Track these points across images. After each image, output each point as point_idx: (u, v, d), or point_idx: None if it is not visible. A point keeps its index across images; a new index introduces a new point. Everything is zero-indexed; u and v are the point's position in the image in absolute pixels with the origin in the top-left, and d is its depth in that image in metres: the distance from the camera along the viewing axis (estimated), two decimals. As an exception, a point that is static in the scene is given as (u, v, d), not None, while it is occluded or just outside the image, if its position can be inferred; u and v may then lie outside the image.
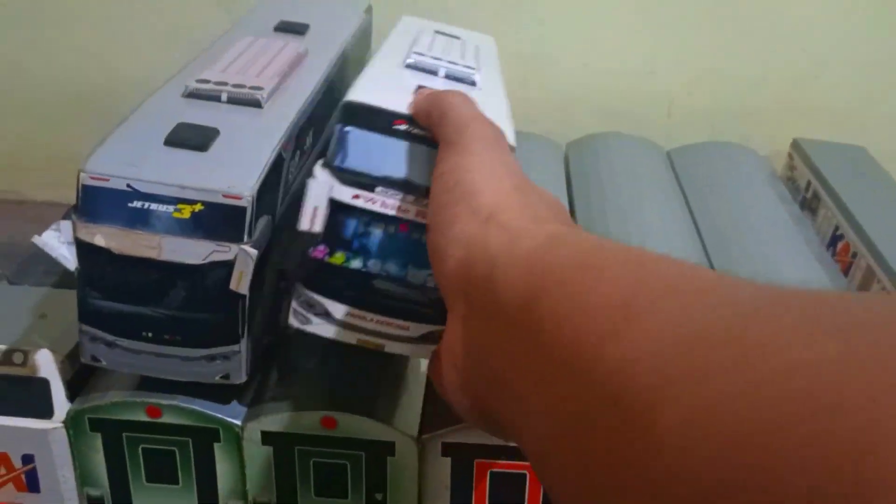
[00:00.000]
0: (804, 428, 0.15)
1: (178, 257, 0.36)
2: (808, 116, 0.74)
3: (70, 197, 0.36)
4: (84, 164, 0.36)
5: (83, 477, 0.42)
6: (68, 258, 0.36)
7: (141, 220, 0.36)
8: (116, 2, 0.74)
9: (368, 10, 0.63)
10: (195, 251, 0.36)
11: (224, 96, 0.42)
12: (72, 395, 0.41)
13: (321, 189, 0.36)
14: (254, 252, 0.36)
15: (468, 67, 0.44)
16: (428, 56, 0.44)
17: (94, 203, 0.36)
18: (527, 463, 0.40)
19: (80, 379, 0.42)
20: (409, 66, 0.43)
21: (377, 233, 0.36)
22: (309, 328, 0.37)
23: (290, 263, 0.40)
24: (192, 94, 0.42)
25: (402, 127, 0.37)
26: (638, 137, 0.70)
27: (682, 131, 0.72)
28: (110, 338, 0.38)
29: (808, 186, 0.65)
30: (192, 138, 0.38)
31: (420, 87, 0.40)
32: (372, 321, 0.37)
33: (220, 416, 0.40)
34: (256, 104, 0.42)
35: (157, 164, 0.36)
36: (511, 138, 0.38)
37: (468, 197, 0.31)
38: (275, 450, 0.40)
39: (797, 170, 0.68)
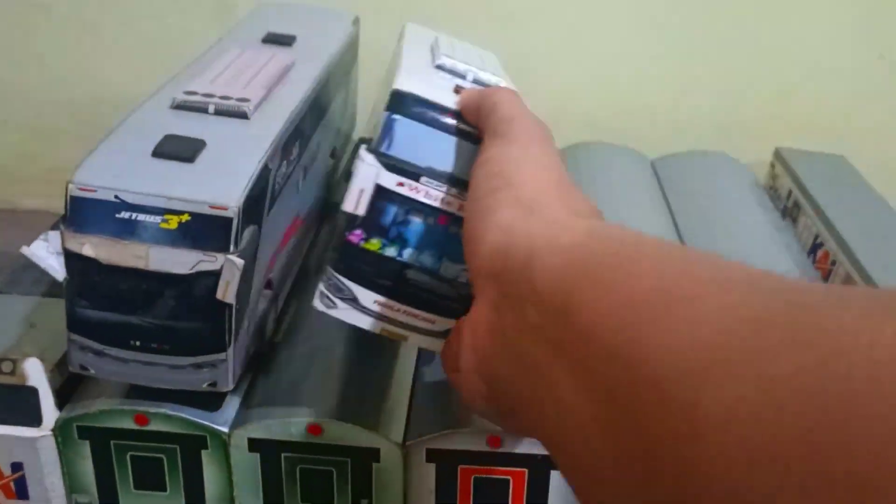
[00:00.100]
0: (887, 400, 0.15)
1: (165, 267, 0.36)
2: (791, 126, 0.75)
3: (62, 207, 0.37)
4: (72, 175, 0.36)
5: (72, 484, 0.42)
6: (56, 268, 0.37)
7: (128, 230, 0.36)
8: (108, 14, 0.75)
9: (355, 21, 0.64)
10: (182, 261, 0.36)
11: (211, 108, 0.43)
12: (60, 403, 0.41)
13: (369, 172, 0.36)
14: (240, 262, 0.36)
15: (494, 74, 0.44)
16: (457, 60, 0.43)
17: (83, 214, 0.36)
18: (510, 469, 0.40)
19: (68, 387, 0.42)
20: (438, 68, 0.43)
21: (416, 223, 0.36)
22: (333, 312, 0.38)
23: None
24: (180, 106, 0.43)
25: (450, 121, 0.37)
26: (623, 147, 0.70)
27: (666, 141, 0.73)
28: (98, 347, 0.38)
29: (789, 195, 0.66)
30: (179, 150, 0.39)
31: (458, 87, 0.40)
32: (399, 312, 0.37)
33: (207, 423, 0.40)
34: (243, 116, 0.42)
35: (144, 176, 0.37)
36: None
37: (512, 186, 0.32)
38: (262, 457, 0.41)
39: (779, 179, 0.69)
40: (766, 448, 0.16)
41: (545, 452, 0.39)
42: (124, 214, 0.36)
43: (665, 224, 0.59)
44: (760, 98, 0.75)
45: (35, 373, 0.41)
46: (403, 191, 0.36)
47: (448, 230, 0.36)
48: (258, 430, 0.40)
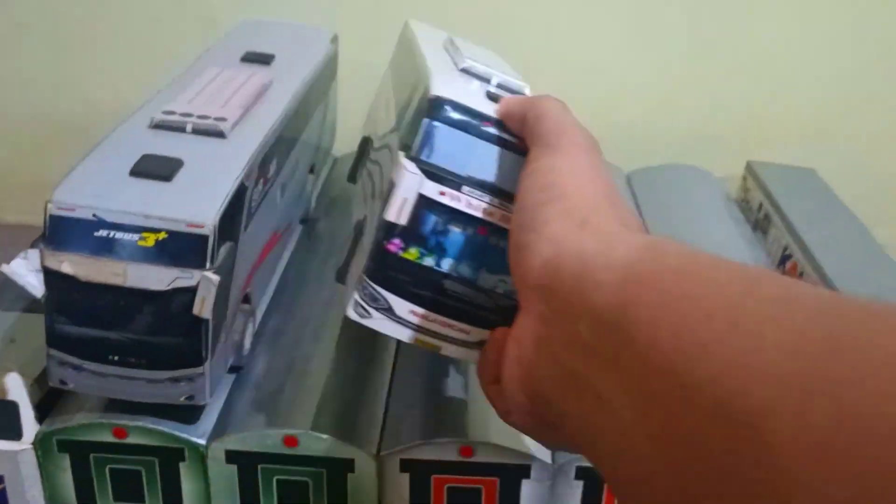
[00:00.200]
0: None
1: (142, 284, 0.37)
2: (763, 140, 0.77)
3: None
4: (51, 195, 0.37)
5: (52, 497, 0.43)
6: (35, 286, 0.37)
7: (106, 248, 0.37)
8: (91, 30, 0.76)
9: (334, 39, 0.65)
10: (159, 278, 0.37)
11: (189, 127, 0.44)
12: (40, 417, 0.42)
13: (412, 182, 0.35)
14: (216, 278, 0.37)
15: (517, 78, 0.43)
16: (480, 63, 0.43)
17: (62, 232, 0.37)
18: (482, 478, 0.41)
19: (48, 401, 0.43)
20: (463, 71, 0.42)
21: (455, 232, 0.36)
22: (367, 322, 0.37)
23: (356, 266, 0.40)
24: (159, 126, 0.44)
25: (490, 129, 0.37)
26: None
27: (641, 154, 0.75)
28: (77, 362, 0.39)
29: (760, 207, 0.67)
30: (157, 169, 0.39)
31: (490, 92, 0.39)
32: (434, 322, 0.37)
33: (184, 436, 0.41)
34: (220, 135, 0.43)
35: (122, 195, 0.38)
36: None
37: (562, 199, 0.31)
38: (239, 468, 0.41)
39: (751, 192, 0.70)
40: (842, 476, 0.16)
41: (516, 462, 0.40)
42: (102, 233, 0.37)
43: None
44: (733, 112, 0.77)
45: (15, 387, 0.41)
46: (445, 200, 0.35)
47: (488, 240, 0.36)
48: (235, 442, 0.41)
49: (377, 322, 0.37)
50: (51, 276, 0.37)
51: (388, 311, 0.37)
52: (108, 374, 0.39)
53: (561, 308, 0.28)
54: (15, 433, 0.42)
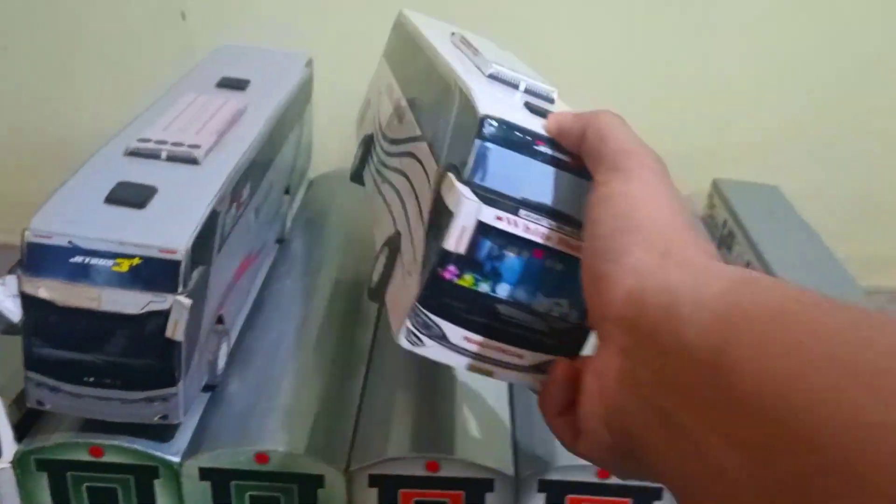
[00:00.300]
0: None
1: (117, 308, 0.39)
2: (729, 158, 0.79)
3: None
4: (29, 222, 0.39)
5: (30, 515, 0.44)
6: (12, 311, 0.39)
7: (82, 273, 0.38)
8: (71, 54, 0.77)
9: (309, 63, 0.67)
10: (133, 302, 0.39)
11: (164, 154, 0.45)
12: (19, 436, 0.43)
13: (470, 209, 0.34)
14: (188, 302, 0.39)
15: (543, 81, 0.42)
16: (506, 67, 0.41)
17: (38, 259, 0.38)
18: (448, 491, 0.43)
19: (26, 422, 0.44)
20: (491, 78, 0.41)
21: (511, 257, 0.34)
22: (420, 350, 0.36)
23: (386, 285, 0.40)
24: (134, 153, 0.45)
25: (543, 148, 0.35)
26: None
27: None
28: (54, 383, 0.40)
29: (724, 224, 0.69)
30: (131, 196, 0.41)
31: (528, 104, 0.38)
32: (488, 347, 0.36)
33: (159, 454, 0.42)
34: (194, 161, 0.45)
35: (97, 222, 0.39)
36: None
37: (641, 228, 0.30)
38: (212, 485, 0.43)
39: (716, 208, 0.72)
40: None
41: (479, 476, 0.42)
42: (78, 259, 0.38)
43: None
44: (700, 131, 0.79)
45: (-6, 408, 0.43)
46: (502, 225, 0.34)
47: (543, 263, 0.35)
48: (208, 459, 0.42)
49: (430, 350, 0.36)
50: (28, 301, 0.39)
51: (442, 338, 0.35)
52: (83, 395, 0.40)
53: (648, 344, 0.27)
54: (-6, 453, 0.43)
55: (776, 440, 0.21)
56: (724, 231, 0.69)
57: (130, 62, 0.76)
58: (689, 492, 0.25)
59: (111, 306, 0.39)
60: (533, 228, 0.34)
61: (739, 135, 0.79)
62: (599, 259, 0.31)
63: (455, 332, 0.35)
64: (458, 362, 0.36)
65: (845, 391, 0.20)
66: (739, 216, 0.67)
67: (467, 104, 0.37)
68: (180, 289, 0.39)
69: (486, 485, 0.42)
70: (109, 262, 0.39)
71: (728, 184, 0.73)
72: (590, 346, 0.35)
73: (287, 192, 0.63)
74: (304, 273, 0.59)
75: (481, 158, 0.35)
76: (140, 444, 0.42)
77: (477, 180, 0.35)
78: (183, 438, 0.44)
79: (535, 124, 0.36)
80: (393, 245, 0.40)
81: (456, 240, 0.34)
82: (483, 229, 0.34)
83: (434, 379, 0.48)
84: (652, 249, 0.29)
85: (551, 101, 0.41)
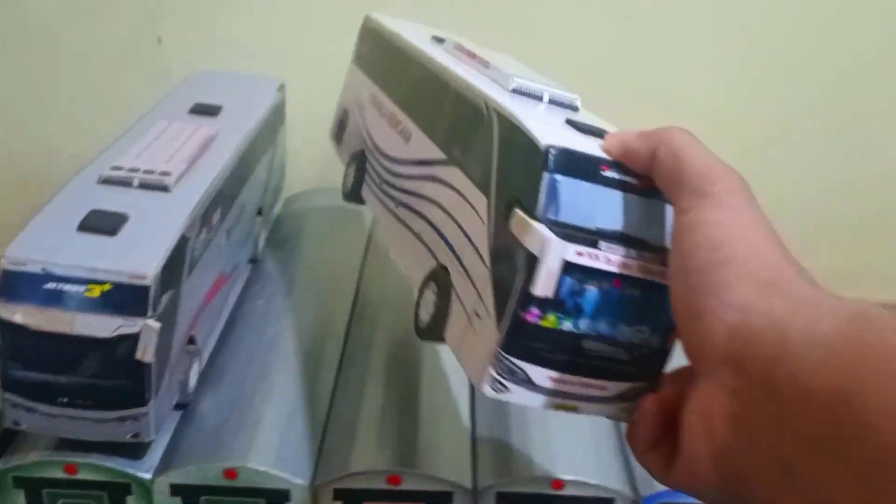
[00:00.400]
0: None
1: (89, 332, 0.40)
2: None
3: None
4: (5, 251, 0.41)
5: (7, 531, 0.46)
6: (-12, 336, 0.40)
7: (55, 299, 0.40)
8: (48, 77, 0.79)
9: (281, 88, 0.69)
10: (104, 326, 0.40)
11: (135, 182, 0.47)
12: (-3, 455, 0.45)
13: (557, 250, 0.32)
14: (157, 325, 0.40)
15: (565, 90, 0.41)
16: (526, 79, 0.40)
17: (13, 285, 0.40)
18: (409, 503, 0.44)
19: (4, 441, 0.45)
20: (515, 92, 0.40)
21: (592, 291, 0.33)
22: (505, 397, 0.35)
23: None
24: (107, 181, 0.47)
25: (610, 173, 0.34)
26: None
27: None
28: (30, 404, 0.42)
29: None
30: (103, 224, 0.43)
31: (568, 120, 0.38)
32: (573, 384, 0.35)
33: (131, 471, 0.44)
34: (164, 189, 0.47)
35: (69, 249, 0.41)
36: None
37: (739, 259, 0.29)
38: (183, 500, 0.44)
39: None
40: None
41: (439, 489, 0.44)
42: (51, 285, 0.40)
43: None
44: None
45: (-28, 429, 0.44)
46: (583, 260, 0.33)
47: (623, 292, 0.34)
48: (179, 475, 0.44)
49: (516, 395, 0.34)
50: (4, 325, 0.40)
51: (527, 382, 0.34)
52: (58, 415, 0.42)
53: (759, 386, 0.26)
54: (-28, 471, 0.45)
55: None
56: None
57: (107, 87, 0.78)
58: None
59: (83, 330, 0.40)
60: (613, 259, 0.33)
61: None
62: (696, 294, 0.29)
63: (539, 374, 0.34)
64: (542, 403, 0.35)
65: None
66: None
67: (514, 131, 0.36)
68: (150, 313, 0.41)
69: (446, 497, 0.44)
70: (81, 288, 0.40)
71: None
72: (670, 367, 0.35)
73: (260, 213, 0.65)
74: (277, 292, 0.61)
75: (552, 192, 0.33)
76: (113, 462, 0.44)
77: (551, 216, 0.33)
78: (155, 455, 0.45)
79: (593, 146, 0.35)
80: (441, 280, 0.39)
81: (543, 284, 0.32)
82: (565, 267, 0.33)
83: (399, 394, 0.50)
84: (753, 282, 0.28)
85: (575, 108, 0.40)
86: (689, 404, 0.30)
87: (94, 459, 0.44)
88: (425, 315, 0.40)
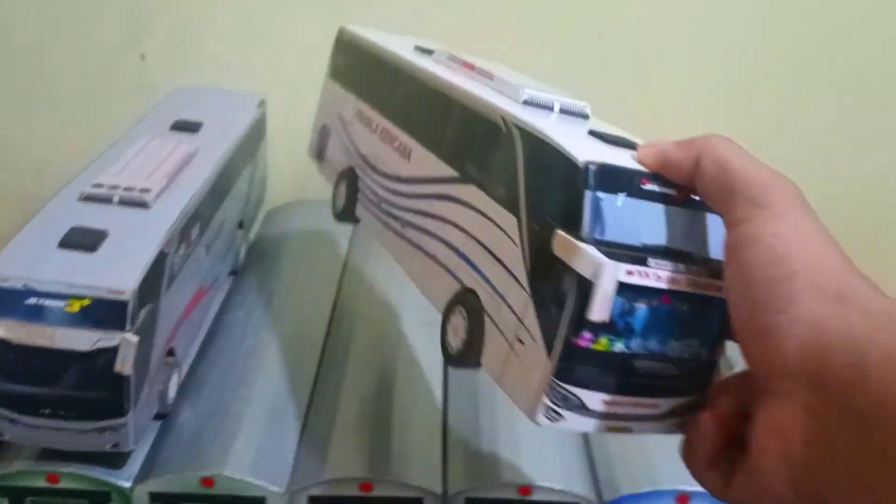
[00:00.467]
0: None
1: (69, 345, 0.42)
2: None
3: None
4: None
5: (-9, 539, 0.47)
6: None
7: (36, 314, 0.42)
8: (34, 91, 0.80)
9: (261, 104, 0.70)
10: (84, 339, 0.42)
11: (115, 199, 0.49)
12: (-19, 466, 0.46)
13: (611, 272, 0.31)
14: (135, 339, 0.42)
15: (572, 97, 0.40)
16: (536, 89, 0.40)
17: None
18: (382, 510, 0.46)
19: (-12, 451, 0.47)
20: (526, 104, 0.39)
21: (641, 308, 0.32)
22: (560, 425, 0.33)
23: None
24: (88, 198, 0.49)
25: (650, 186, 0.33)
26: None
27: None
28: (13, 415, 0.43)
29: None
30: (83, 240, 0.44)
31: (591, 132, 0.37)
32: (625, 405, 0.34)
33: (111, 480, 0.45)
34: (144, 205, 0.48)
35: (50, 266, 0.43)
36: None
37: (804, 272, 0.28)
38: (162, 508, 0.46)
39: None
40: None
41: (410, 495, 0.45)
42: (32, 300, 0.42)
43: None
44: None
45: (-44, 440, 0.46)
46: (633, 279, 0.31)
47: (672, 308, 0.33)
48: (157, 484, 0.45)
49: (571, 422, 0.33)
50: (-14, 340, 0.42)
51: (581, 407, 0.33)
52: (40, 426, 0.43)
53: (839, 404, 0.26)
54: (-44, 481, 0.46)
55: None
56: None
57: (92, 102, 0.79)
58: None
59: (64, 344, 0.42)
60: (663, 275, 0.32)
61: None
62: (762, 309, 0.28)
63: (593, 398, 0.33)
64: (596, 427, 0.34)
65: None
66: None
67: (542, 147, 0.35)
68: (128, 326, 0.42)
69: (416, 502, 0.46)
70: (62, 303, 0.42)
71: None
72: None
73: (241, 225, 0.66)
74: (257, 304, 0.63)
75: (595, 211, 0.32)
76: (94, 471, 0.45)
77: (597, 235, 0.32)
78: (135, 465, 0.47)
79: (627, 159, 0.34)
80: (471, 304, 0.37)
81: (600, 308, 0.31)
82: (617, 288, 0.31)
83: (373, 403, 0.52)
84: (822, 296, 0.27)
85: (586, 116, 0.39)
86: (760, 421, 0.29)
87: (76, 469, 0.45)
88: (456, 342, 0.38)
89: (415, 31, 0.61)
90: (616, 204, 0.32)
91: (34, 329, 0.42)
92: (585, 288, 0.31)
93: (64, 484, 0.45)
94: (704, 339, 0.34)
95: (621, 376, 0.33)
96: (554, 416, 0.33)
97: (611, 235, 0.32)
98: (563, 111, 0.39)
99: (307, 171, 0.65)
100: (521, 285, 0.34)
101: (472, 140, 0.40)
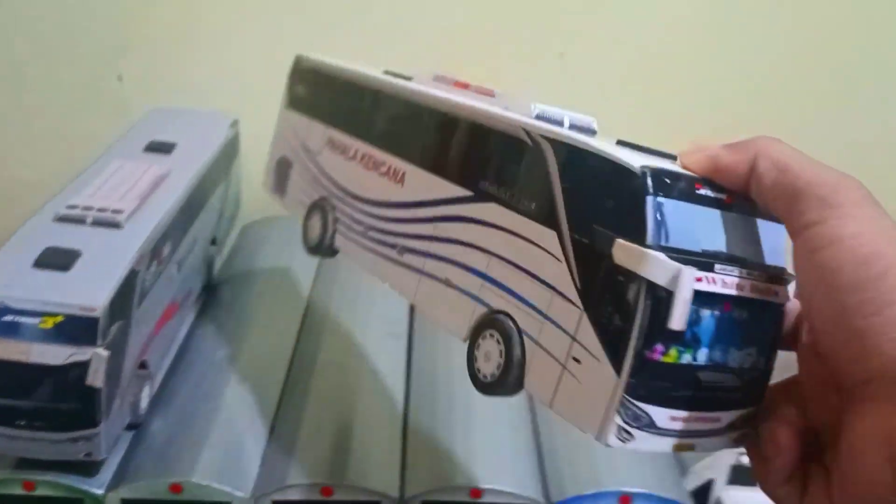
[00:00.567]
0: None
1: (43, 360, 0.44)
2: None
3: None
4: (-35, 287, 0.44)
5: (-30, 545, 0.49)
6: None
7: (12, 330, 0.44)
8: (17, 114, 0.83)
9: (234, 124, 0.73)
10: (57, 354, 0.44)
11: (89, 219, 0.51)
12: (-40, 475, 0.49)
13: (689, 278, 0.30)
14: (105, 353, 0.44)
15: (579, 112, 0.39)
16: (546, 104, 0.39)
17: None
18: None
19: (-33, 461, 0.49)
20: (539, 118, 0.38)
21: (706, 316, 0.31)
22: (631, 445, 0.32)
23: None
24: (62, 219, 0.51)
25: (704, 192, 0.32)
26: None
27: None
28: None
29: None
30: (57, 260, 0.47)
31: (619, 141, 0.36)
32: (690, 420, 0.32)
33: (85, 487, 0.48)
34: (116, 226, 0.51)
35: (25, 284, 0.45)
36: None
37: (895, 272, 0.27)
38: (133, 514, 0.48)
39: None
40: None
41: (368, 499, 0.48)
42: (8, 318, 0.44)
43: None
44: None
45: (-63, 450, 0.48)
46: (702, 286, 0.31)
47: (732, 315, 0.32)
48: (128, 490, 0.48)
49: (640, 442, 0.32)
50: (-35, 356, 0.44)
51: (651, 426, 0.32)
52: (16, 437, 0.46)
53: None
54: (-63, 490, 0.48)
55: None
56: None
57: (71, 122, 0.82)
58: None
59: (38, 358, 0.44)
60: (729, 281, 0.32)
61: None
62: (852, 313, 0.28)
63: (662, 415, 0.32)
64: (664, 446, 0.33)
65: None
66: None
67: (582, 156, 0.34)
68: (99, 342, 0.45)
69: (376, 506, 0.48)
70: (36, 320, 0.44)
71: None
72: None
73: (214, 242, 0.69)
74: (229, 317, 0.65)
75: (658, 216, 0.31)
76: (68, 479, 0.48)
77: (662, 242, 0.31)
78: (108, 472, 0.49)
79: (671, 165, 0.33)
80: (504, 327, 0.36)
81: (680, 316, 0.30)
82: (671, 294, 0.30)
83: (338, 411, 0.54)
84: None
85: (594, 132, 0.38)
86: (856, 428, 0.28)
87: (51, 477, 0.47)
88: (489, 368, 0.36)
89: (377, 56, 0.64)
90: (676, 209, 0.31)
91: (10, 345, 0.44)
92: (658, 296, 0.30)
93: (40, 491, 0.48)
94: (762, 348, 0.33)
95: (688, 390, 0.32)
96: (625, 436, 0.31)
97: (674, 242, 0.31)
98: (573, 126, 0.38)
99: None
100: (570, 301, 0.33)
101: (487, 157, 0.38)
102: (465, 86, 0.44)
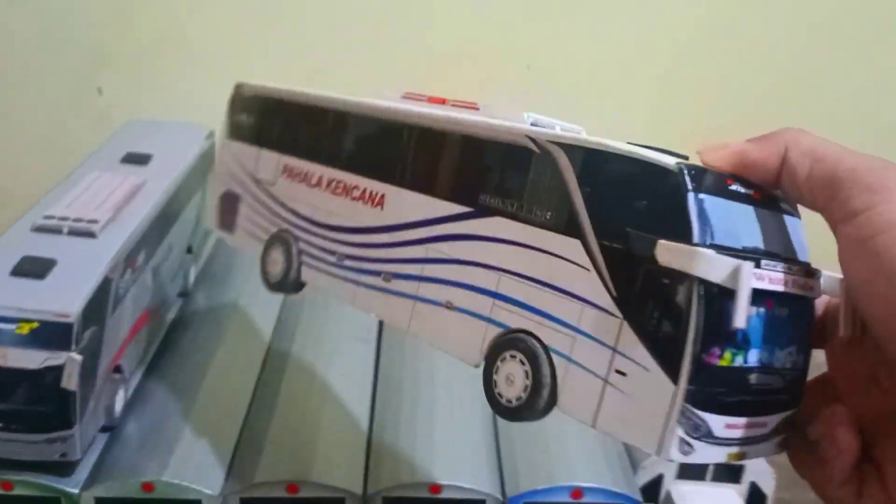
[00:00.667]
0: None
1: (19, 364, 0.46)
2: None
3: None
4: (-56, 295, 0.47)
5: (-49, 544, 0.51)
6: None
7: None
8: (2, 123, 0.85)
9: (210, 135, 0.75)
10: (33, 359, 0.46)
11: (65, 229, 0.53)
12: (-60, 476, 0.51)
13: (748, 274, 0.29)
14: (79, 358, 0.47)
15: (565, 120, 0.38)
16: (539, 114, 0.38)
17: None
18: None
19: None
20: (534, 126, 0.37)
21: (753, 316, 0.30)
22: (691, 458, 0.30)
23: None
24: (39, 229, 0.53)
25: (736, 188, 0.31)
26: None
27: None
28: None
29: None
30: (33, 269, 0.49)
31: (629, 143, 0.34)
32: (741, 427, 0.31)
33: (61, 486, 0.50)
34: (91, 235, 0.53)
35: (3, 292, 0.47)
36: None
37: None
38: (107, 511, 0.50)
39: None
40: None
41: (332, 495, 0.50)
42: None
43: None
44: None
45: (-83, 452, 0.50)
46: (753, 284, 0.29)
47: (774, 313, 0.31)
48: (102, 489, 0.50)
49: (699, 453, 0.30)
50: (-57, 360, 0.46)
51: (709, 435, 0.30)
52: (-6, 439, 0.48)
53: None
54: (-83, 490, 0.50)
55: None
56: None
57: (51, 133, 0.84)
58: None
59: (15, 363, 0.46)
60: (774, 277, 0.30)
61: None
62: None
63: (718, 423, 0.30)
64: (719, 457, 0.31)
65: None
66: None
67: (605, 159, 0.32)
68: (73, 347, 0.47)
69: (339, 503, 0.50)
70: (13, 326, 0.46)
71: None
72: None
73: (190, 250, 0.71)
74: (204, 324, 0.67)
75: (701, 214, 0.30)
76: (45, 479, 0.50)
77: (708, 240, 0.29)
78: (83, 472, 0.51)
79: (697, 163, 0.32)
80: (527, 346, 0.34)
81: (741, 314, 0.29)
82: (728, 293, 0.29)
83: (306, 410, 0.57)
84: None
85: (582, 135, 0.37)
86: None
87: (28, 477, 0.49)
88: (515, 391, 0.34)
89: (335, 72, 0.65)
90: (715, 206, 0.30)
91: (-13, 350, 0.46)
92: (712, 296, 0.29)
93: (18, 491, 0.50)
94: (800, 346, 0.32)
95: (739, 395, 0.31)
96: (686, 448, 0.30)
97: (719, 239, 0.30)
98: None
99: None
100: (605, 310, 0.31)
101: (485, 170, 0.37)
102: (441, 101, 0.42)
